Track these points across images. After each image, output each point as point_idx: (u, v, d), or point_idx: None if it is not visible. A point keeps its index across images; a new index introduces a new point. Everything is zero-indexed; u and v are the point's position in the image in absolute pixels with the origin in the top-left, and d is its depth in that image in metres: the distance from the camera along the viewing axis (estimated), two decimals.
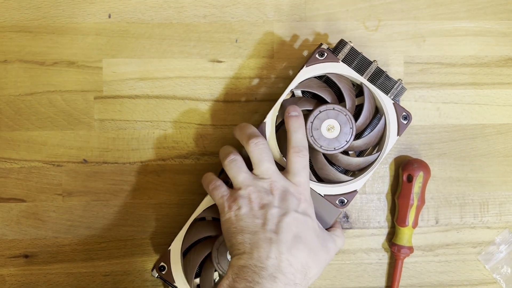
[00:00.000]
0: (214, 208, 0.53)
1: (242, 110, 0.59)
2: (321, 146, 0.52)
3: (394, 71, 0.60)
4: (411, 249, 0.58)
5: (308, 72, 0.53)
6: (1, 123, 0.58)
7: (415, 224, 0.58)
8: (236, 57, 0.59)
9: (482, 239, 0.60)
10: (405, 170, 0.58)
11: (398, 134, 0.53)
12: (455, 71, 0.60)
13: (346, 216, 0.60)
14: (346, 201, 0.53)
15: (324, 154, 0.54)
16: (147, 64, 0.58)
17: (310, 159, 0.54)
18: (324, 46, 0.53)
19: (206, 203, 0.53)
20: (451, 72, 0.60)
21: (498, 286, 0.60)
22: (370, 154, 0.55)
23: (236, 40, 0.59)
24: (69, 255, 0.58)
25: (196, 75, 0.59)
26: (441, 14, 0.60)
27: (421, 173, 0.57)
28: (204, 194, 0.54)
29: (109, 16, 0.58)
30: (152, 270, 0.53)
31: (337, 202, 0.53)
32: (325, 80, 0.55)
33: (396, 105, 0.53)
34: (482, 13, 0.60)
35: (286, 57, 0.59)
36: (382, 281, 0.60)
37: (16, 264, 0.58)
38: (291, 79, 0.54)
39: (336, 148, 0.53)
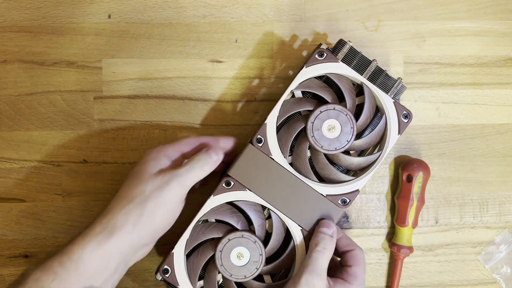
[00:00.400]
0: (216, 210, 0.53)
1: (242, 110, 0.59)
2: (322, 146, 0.52)
3: (393, 71, 0.60)
4: (411, 249, 0.58)
5: (308, 72, 0.53)
6: (1, 123, 0.58)
7: (414, 224, 0.58)
8: (236, 57, 0.59)
9: (482, 239, 0.60)
10: (404, 170, 0.58)
11: (399, 132, 0.53)
12: (455, 71, 0.60)
13: (346, 216, 0.60)
14: (348, 200, 0.53)
15: (325, 154, 0.54)
16: (147, 64, 0.58)
17: (311, 159, 0.54)
18: (324, 46, 0.53)
19: (208, 205, 0.53)
20: (450, 72, 0.60)
21: (498, 286, 0.60)
22: (371, 153, 0.55)
23: (236, 40, 0.59)
24: None
25: (196, 75, 0.59)
26: (441, 14, 0.60)
27: (420, 173, 0.57)
28: (205, 193, 0.54)
29: (109, 17, 0.58)
30: (156, 273, 0.53)
31: (339, 202, 0.53)
32: (325, 80, 0.55)
33: (397, 103, 0.53)
34: (482, 13, 0.60)
35: (286, 57, 0.59)
36: (382, 281, 0.60)
37: (16, 264, 0.58)
38: (291, 79, 0.54)
39: (337, 148, 0.52)
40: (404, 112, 0.53)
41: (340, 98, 0.54)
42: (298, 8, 0.59)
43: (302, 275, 0.48)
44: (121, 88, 0.58)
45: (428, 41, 0.60)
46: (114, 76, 0.58)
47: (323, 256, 0.50)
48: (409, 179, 0.58)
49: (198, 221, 0.53)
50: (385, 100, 0.53)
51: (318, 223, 0.53)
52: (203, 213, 0.52)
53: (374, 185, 0.60)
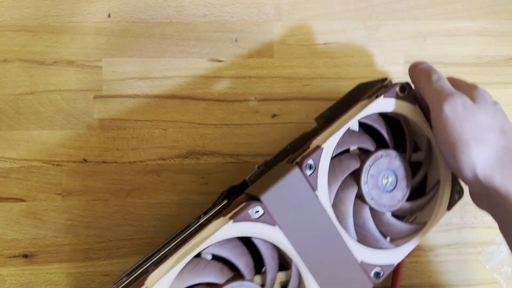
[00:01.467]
0: (225, 243, 0.39)
1: (242, 110, 0.59)
2: (372, 198, 0.43)
3: (394, 71, 0.60)
4: None
5: (384, 104, 0.44)
6: (0, 122, 0.58)
7: None
8: (236, 56, 0.59)
9: (483, 239, 0.60)
10: None
11: (448, 208, 0.46)
12: (456, 71, 0.60)
13: None
14: (382, 274, 0.43)
15: (370, 209, 0.43)
16: (147, 63, 0.58)
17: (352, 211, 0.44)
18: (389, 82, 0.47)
19: (224, 232, 0.38)
20: (451, 71, 0.60)
21: (498, 286, 0.60)
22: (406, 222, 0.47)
23: (236, 40, 0.59)
24: (68, 254, 0.58)
25: (196, 74, 0.59)
26: (442, 14, 0.60)
27: None
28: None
29: (109, 16, 0.58)
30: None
31: (372, 274, 0.43)
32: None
33: (453, 177, 0.46)
34: (482, 13, 0.60)
35: (286, 57, 0.59)
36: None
37: (15, 263, 0.58)
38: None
39: (387, 206, 0.43)
40: (458, 187, 0.47)
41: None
42: (298, 8, 0.59)
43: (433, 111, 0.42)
44: (121, 87, 0.58)
45: (429, 41, 0.60)
46: (114, 75, 0.58)
47: (443, 81, 0.43)
48: None
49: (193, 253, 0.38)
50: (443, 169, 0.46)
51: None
52: (211, 242, 0.38)
53: None
